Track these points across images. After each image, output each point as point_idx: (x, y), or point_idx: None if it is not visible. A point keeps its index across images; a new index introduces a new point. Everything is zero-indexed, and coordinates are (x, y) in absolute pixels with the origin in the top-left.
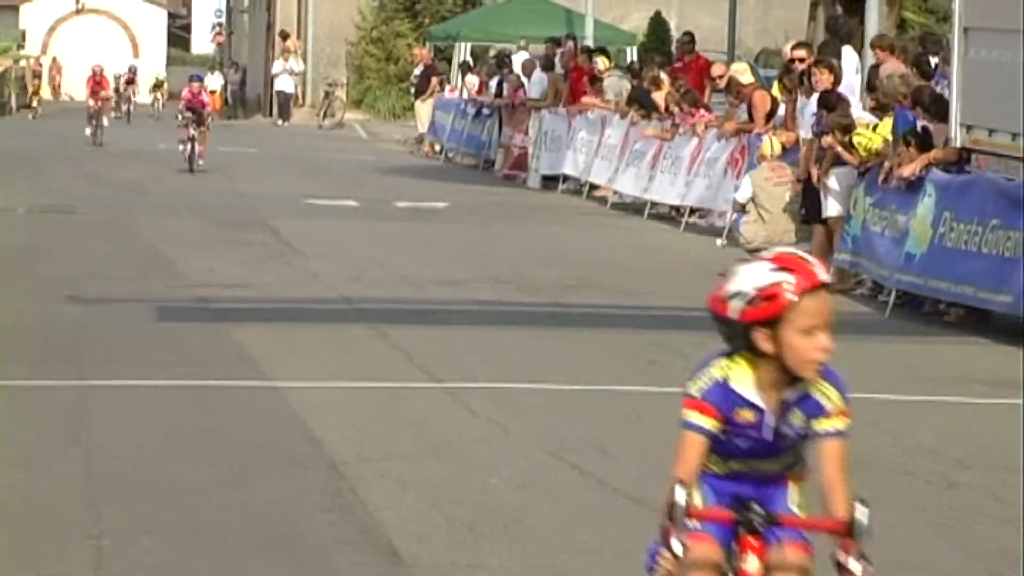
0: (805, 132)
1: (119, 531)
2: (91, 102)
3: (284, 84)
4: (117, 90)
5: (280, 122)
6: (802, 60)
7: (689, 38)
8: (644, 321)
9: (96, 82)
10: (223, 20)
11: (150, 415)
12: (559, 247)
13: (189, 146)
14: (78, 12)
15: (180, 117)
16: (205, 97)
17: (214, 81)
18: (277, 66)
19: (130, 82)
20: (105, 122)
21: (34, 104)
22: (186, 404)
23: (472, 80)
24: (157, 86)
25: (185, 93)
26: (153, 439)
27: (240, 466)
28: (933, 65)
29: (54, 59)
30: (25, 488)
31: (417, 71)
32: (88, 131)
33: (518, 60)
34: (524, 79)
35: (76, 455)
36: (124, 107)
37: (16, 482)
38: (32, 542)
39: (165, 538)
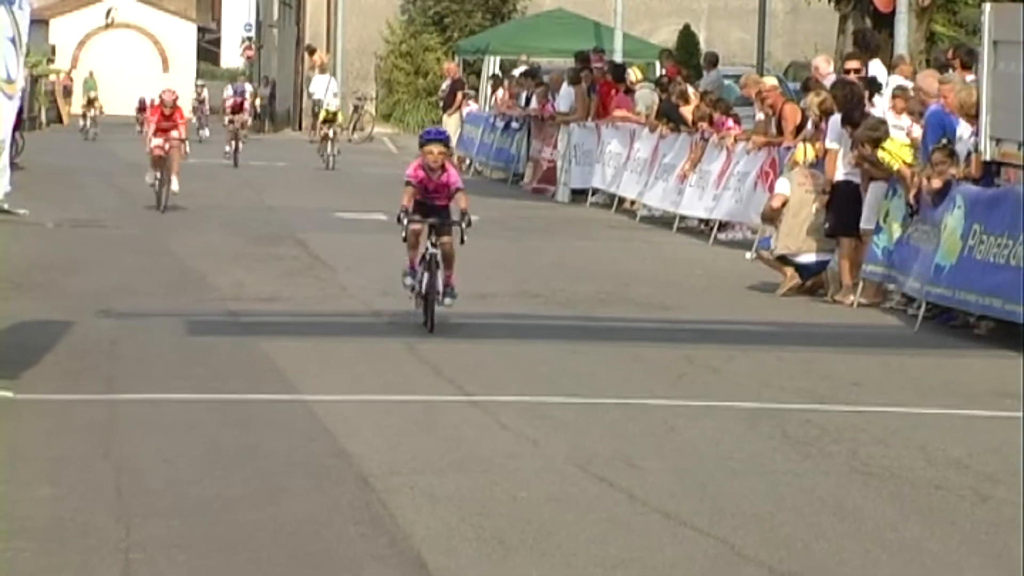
0: (830, 142)
1: (148, 545)
2: (154, 143)
3: (329, 103)
4: (232, 122)
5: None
6: (857, 71)
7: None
8: (674, 335)
9: (165, 116)
10: (253, 34)
11: (180, 429)
12: (589, 261)
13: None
14: (108, 26)
15: (405, 235)
16: (453, 175)
17: (226, 92)
18: (320, 83)
19: (237, 109)
20: (175, 185)
21: (89, 115)
22: (216, 418)
23: (501, 94)
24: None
25: (412, 170)
26: (183, 453)
27: (270, 480)
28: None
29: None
30: (55, 502)
31: (445, 85)
32: (150, 176)
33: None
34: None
35: (106, 469)
36: (231, 145)
37: (46, 496)
38: (61, 556)
39: (195, 552)
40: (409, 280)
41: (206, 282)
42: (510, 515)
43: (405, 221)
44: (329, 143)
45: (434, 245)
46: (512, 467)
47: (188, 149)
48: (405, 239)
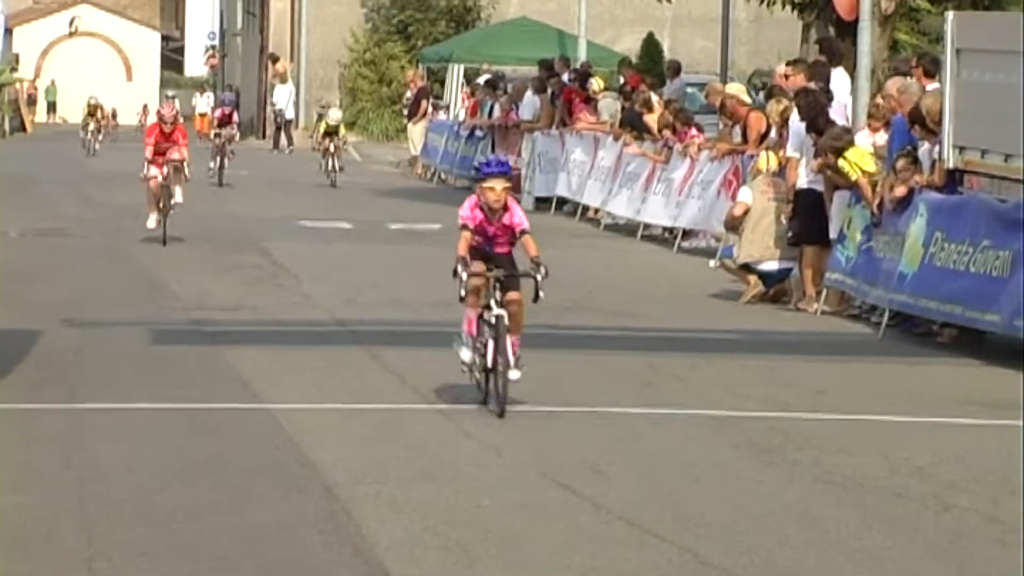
0: (792, 151)
1: (112, 554)
2: (151, 173)
3: (289, 112)
4: (218, 136)
5: (289, 150)
6: (787, 76)
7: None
8: (638, 343)
9: (164, 135)
10: (216, 43)
11: (144, 438)
12: (553, 269)
13: None
14: (71, 35)
15: (463, 294)
16: (518, 215)
17: (203, 103)
18: (282, 93)
19: (225, 122)
20: (178, 195)
21: (98, 127)
22: (179, 427)
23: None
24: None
25: (468, 211)
26: (147, 462)
27: (234, 489)
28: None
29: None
30: (18, 512)
31: (409, 94)
32: (152, 220)
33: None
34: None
35: (69, 478)
36: (216, 161)
37: (9, 506)
38: (25, 566)
39: (159, 561)
40: (467, 355)
41: (170, 291)
42: (474, 524)
43: (464, 275)
44: (331, 159)
45: (499, 303)
46: (476, 475)
47: (189, 173)
48: (463, 299)
